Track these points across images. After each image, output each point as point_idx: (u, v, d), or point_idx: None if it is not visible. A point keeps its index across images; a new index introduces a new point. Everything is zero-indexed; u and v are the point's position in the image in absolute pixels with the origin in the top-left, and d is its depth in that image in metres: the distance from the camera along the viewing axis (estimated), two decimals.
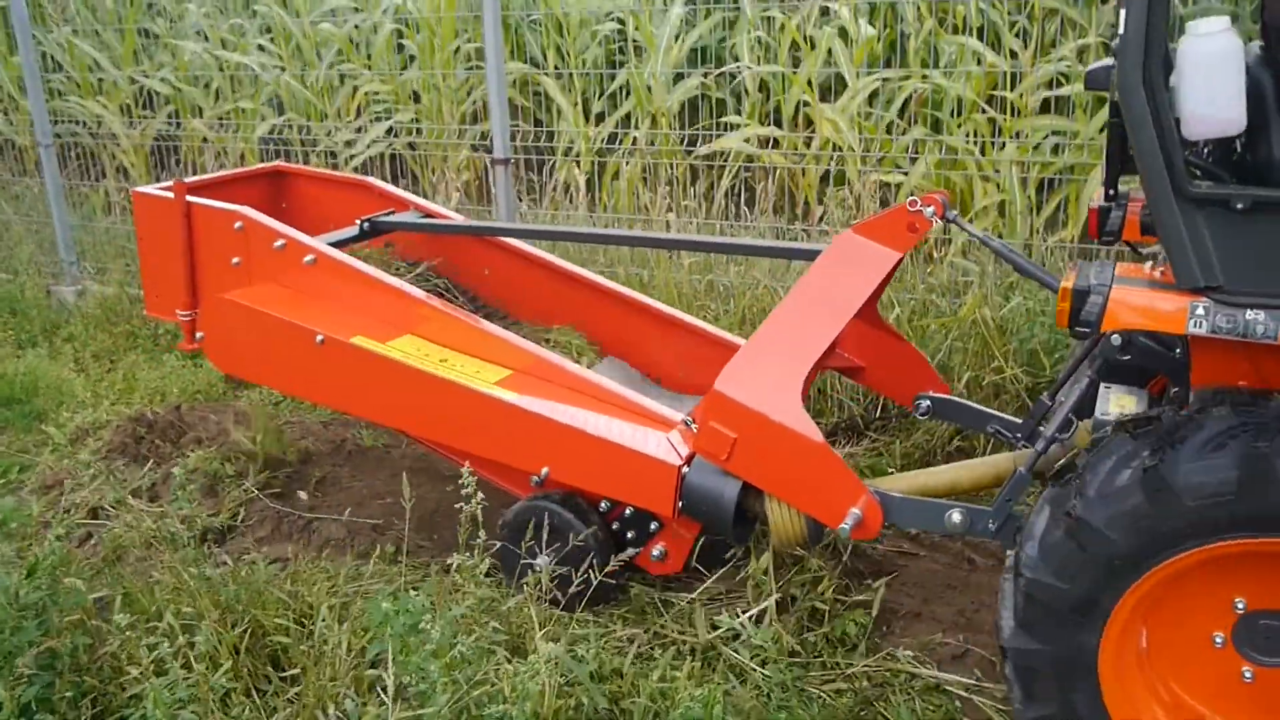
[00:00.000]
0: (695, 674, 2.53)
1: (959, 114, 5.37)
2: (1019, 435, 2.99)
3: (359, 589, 3.12)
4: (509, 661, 2.35)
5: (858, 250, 3.00)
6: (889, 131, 5.48)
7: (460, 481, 2.57)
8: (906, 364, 3.31)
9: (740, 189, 5.40)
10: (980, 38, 5.47)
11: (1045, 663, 2.18)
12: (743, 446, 2.59)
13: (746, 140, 5.76)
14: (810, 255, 3.14)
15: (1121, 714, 2.19)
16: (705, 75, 6.17)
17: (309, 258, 3.33)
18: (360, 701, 2.24)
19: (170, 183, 3.47)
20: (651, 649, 2.76)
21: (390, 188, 4.10)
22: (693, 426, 2.80)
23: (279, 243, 3.35)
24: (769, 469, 2.61)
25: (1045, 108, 5.45)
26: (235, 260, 3.41)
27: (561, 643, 2.47)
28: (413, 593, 2.34)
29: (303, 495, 3.74)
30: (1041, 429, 2.94)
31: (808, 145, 5.65)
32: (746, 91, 6.08)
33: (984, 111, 5.32)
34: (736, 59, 6.18)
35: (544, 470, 2.94)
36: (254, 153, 6.68)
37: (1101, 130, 5.01)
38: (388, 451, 4.23)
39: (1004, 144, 5.13)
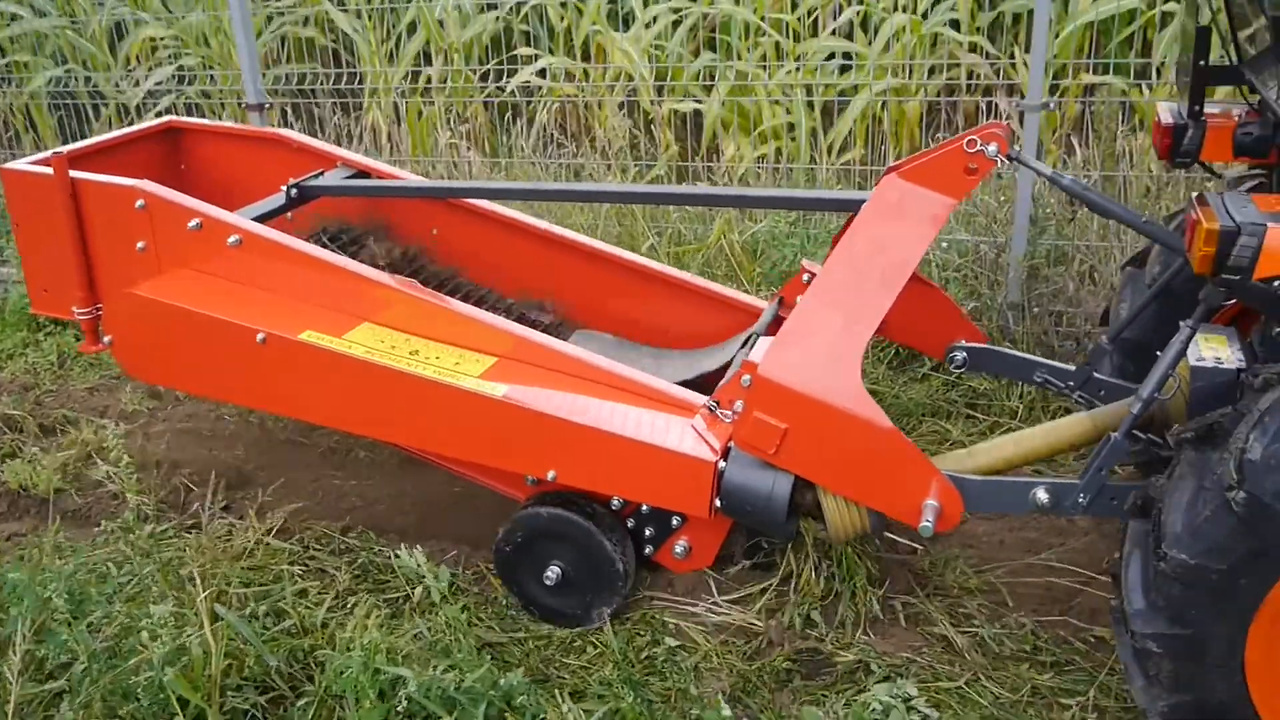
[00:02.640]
0: (383, 621, 2.52)
1: (747, 38, 5.36)
2: (1072, 384, 2.76)
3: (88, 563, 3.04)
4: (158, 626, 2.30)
5: (906, 198, 2.59)
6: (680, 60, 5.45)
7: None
8: (935, 312, 2.95)
9: (524, 125, 5.31)
10: None
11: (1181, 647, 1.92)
12: (795, 438, 2.26)
13: (541, 74, 5.66)
14: (847, 205, 2.78)
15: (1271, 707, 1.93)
16: (495, 8, 6.03)
17: (234, 238, 2.82)
18: (11, 679, 2.19)
19: (47, 154, 2.97)
20: (344, 598, 2.74)
21: (312, 141, 3.53)
22: (719, 412, 2.50)
23: (194, 222, 2.84)
24: (828, 462, 2.29)
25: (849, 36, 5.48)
26: (140, 245, 2.90)
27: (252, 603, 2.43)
28: (61, 563, 2.27)
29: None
30: (1097, 375, 2.72)
31: (603, 77, 5.57)
32: (549, 26, 5.97)
33: (768, 35, 5.31)
34: None
35: (550, 474, 2.55)
36: (39, 108, 6.35)
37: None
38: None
39: (792, 67, 5.13)
